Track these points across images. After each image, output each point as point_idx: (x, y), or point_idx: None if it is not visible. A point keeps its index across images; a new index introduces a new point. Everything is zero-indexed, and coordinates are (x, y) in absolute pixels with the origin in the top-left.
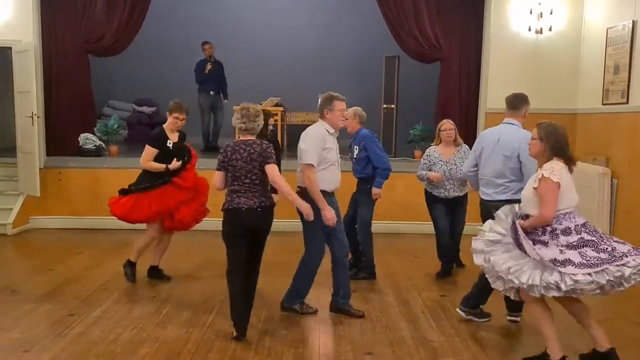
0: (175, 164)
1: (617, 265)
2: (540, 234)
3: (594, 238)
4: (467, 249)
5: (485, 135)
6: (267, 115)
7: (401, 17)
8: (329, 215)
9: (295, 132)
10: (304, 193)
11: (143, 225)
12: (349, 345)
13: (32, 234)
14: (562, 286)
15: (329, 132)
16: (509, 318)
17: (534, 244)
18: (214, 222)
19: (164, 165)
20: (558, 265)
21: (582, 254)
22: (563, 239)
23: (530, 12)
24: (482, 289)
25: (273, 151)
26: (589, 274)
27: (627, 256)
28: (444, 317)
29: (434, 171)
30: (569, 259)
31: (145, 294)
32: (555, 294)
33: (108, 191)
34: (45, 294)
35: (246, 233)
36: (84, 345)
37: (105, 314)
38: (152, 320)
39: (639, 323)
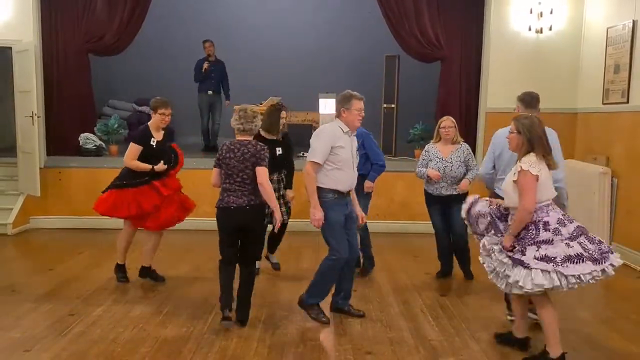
0: (161, 166)
1: (607, 262)
2: (540, 232)
3: (582, 225)
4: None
5: (500, 136)
6: (279, 109)
7: (402, 17)
8: (317, 215)
9: (295, 131)
10: (318, 191)
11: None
12: (349, 345)
13: (33, 233)
14: (570, 283)
15: (343, 131)
16: (508, 318)
17: (537, 249)
18: (214, 221)
19: (149, 166)
20: (573, 262)
21: (582, 245)
22: (564, 231)
23: (531, 12)
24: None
25: (267, 154)
26: (593, 274)
27: (611, 254)
28: (444, 316)
29: (430, 167)
30: (580, 254)
31: (146, 294)
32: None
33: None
34: (46, 294)
35: (236, 230)
36: (84, 344)
37: (105, 314)
38: (153, 320)
39: (639, 322)
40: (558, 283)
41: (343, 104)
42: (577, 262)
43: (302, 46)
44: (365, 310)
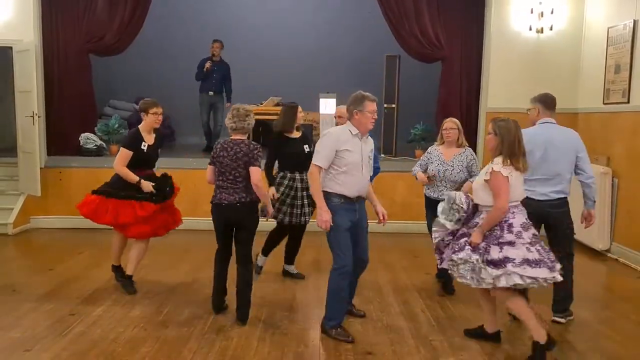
0: (147, 186)
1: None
2: (504, 233)
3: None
4: None
5: (531, 136)
6: (294, 107)
7: (402, 17)
8: (324, 217)
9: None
10: (324, 196)
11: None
12: (350, 345)
13: (33, 233)
14: (523, 282)
15: (352, 134)
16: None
17: (500, 249)
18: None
19: (136, 178)
20: (531, 265)
21: (539, 252)
22: (526, 235)
23: (531, 12)
24: (565, 289)
25: (260, 153)
26: (546, 279)
27: (557, 263)
28: (444, 316)
29: (430, 170)
30: (538, 259)
31: (146, 294)
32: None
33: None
34: (46, 294)
35: (227, 226)
36: (84, 344)
37: (105, 314)
38: (153, 320)
39: (639, 322)
40: (521, 282)
41: (355, 105)
42: (534, 267)
43: (302, 46)
44: (366, 310)
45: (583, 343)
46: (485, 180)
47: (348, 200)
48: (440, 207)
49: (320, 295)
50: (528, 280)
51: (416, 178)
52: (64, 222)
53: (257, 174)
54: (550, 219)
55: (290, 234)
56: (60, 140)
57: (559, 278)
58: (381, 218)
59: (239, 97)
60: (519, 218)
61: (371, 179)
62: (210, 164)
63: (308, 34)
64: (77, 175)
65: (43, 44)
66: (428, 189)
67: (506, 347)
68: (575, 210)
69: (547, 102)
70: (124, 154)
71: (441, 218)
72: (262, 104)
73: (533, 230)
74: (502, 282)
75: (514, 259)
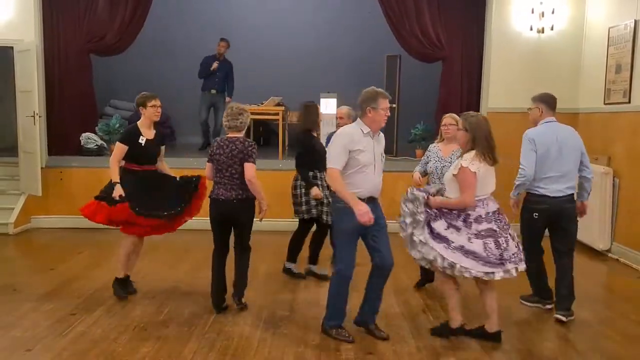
0: (117, 192)
1: (500, 269)
2: (455, 217)
3: (498, 229)
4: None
5: (542, 136)
6: (315, 105)
7: (403, 17)
8: (362, 210)
9: (296, 131)
10: (334, 197)
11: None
12: (350, 345)
13: (34, 233)
14: (456, 270)
15: (364, 133)
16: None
17: (447, 227)
18: None
19: (115, 179)
20: (464, 253)
21: (485, 246)
22: (474, 227)
23: (532, 12)
24: (566, 286)
25: (255, 150)
26: (479, 271)
27: (509, 262)
28: (445, 316)
29: (428, 167)
30: (474, 251)
31: (146, 294)
32: (449, 272)
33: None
34: (47, 293)
35: (224, 221)
36: (85, 344)
37: (106, 313)
38: (154, 319)
39: (639, 322)
40: (439, 263)
41: (369, 102)
42: (467, 257)
43: (302, 46)
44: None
45: (583, 343)
46: (454, 175)
47: (365, 202)
48: (407, 209)
49: (321, 295)
50: (457, 267)
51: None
52: (65, 221)
53: (251, 170)
54: (565, 214)
55: (316, 230)
56: (61, 140)
57: (497, 277)
58: None
59: (240, 97)
60: (479, 211)
61: None
62: (208, 161)
63: (308, 34)
64: (78, 175)
65: (44, 43)
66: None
67: (507, 347)
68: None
69: (549, 102)
70: (118, 149)
71: (409, 216)
72: (262, 103)
73: (490, 225)
74: (439, 262)
75: (452, 243)
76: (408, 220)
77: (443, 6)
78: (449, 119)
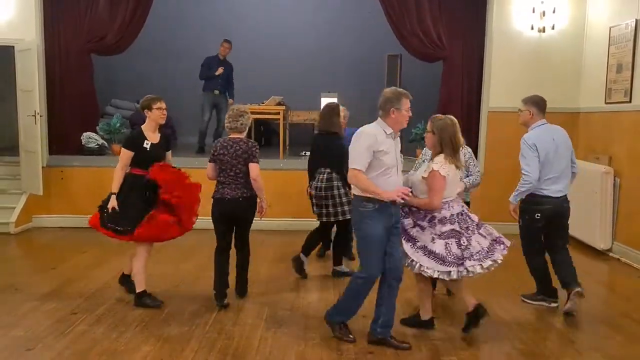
0: (111, 203)
1: (456, 268)
2: (422, 217)
3: (462, 230)
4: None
5: (542, 138)
6: (337, 107)
7: (404, 15)
8: (393, 194)
9: (297, 131)
10: (356, 200)
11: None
12: (351, 344)
13: (35, 232)
14: (415, 269)
15: (386, 133)
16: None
17: (414, 225)
18: None
19: (115, 188)
20: (425, 254)
21: (447, 246)
22: (438, 228)
23: (533, 11)
24: (574, 276)
25: (258, 150)
26: (437, 271)
27: (469, 260)
28: (446, 315)
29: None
30: (435, 251)
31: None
32: (410, 269)
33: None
34: (48, 293)
35: (230, 219)
36: (86, 343)
37: (108, 312)
38: (155, 318)
39: None
40: (409, 264)
41: (394, 103)
42: (427, 256)
43: (304, 45)
44: (367, 310)
45: (584, 342)
46: (423, 177)
47: (383, 204)
48: None
49: (321, 295)
50: (417, 266)
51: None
52: (66, 221)
53: (256, 169)
54: (564, 212)
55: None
56: (62, 140)
57: (453, 276)
58: None
59: (241, 96)
60: (444, 212)
61: None
62: (210, 161)
63: (309, 33)
64: (79, 174)
65: (45, 43)
66: None
67: (507, 346)
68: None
69: (540, 105)
70: (124, 156)
71: None
72: (263, 103)
73: (453, 227)
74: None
75: (417, 242)
76: None
77: (444, 5)
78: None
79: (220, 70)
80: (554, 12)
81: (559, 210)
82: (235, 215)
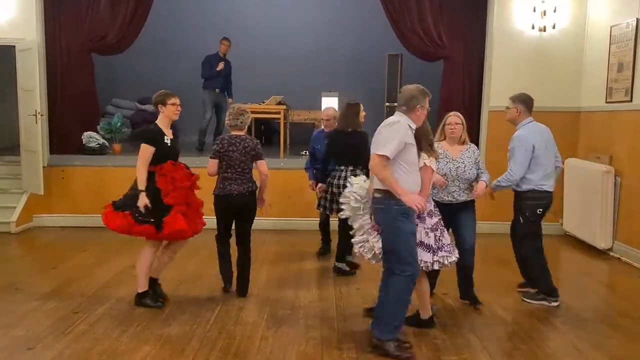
0: (142, 201)
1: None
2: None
3: (439, 221)
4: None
5: (536, 135)
6: (357, 106)
7: (404, 14)
8: (413, 199)
9: (297, 130)
10: (385, 199)
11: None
12: (352, 343)
13: (36, 232)
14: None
15: (412, 128)
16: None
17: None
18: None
19: (142, 187)
20: (424, 249)
21: (436, 237)
22: (428, 222)
23: (534, 10)
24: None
25: (261, 147)
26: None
27: (441, 251)
28: (446, 314)
29: (441, 169)
30: (429, 245)
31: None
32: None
33: (112, 189)
34: (49, 292)
35: (235, 213)
36: (87, 343)
37: (109, 312)
38: (156, 318)
39: None
40: None
41: (419, 101)
42: (425, 251)
43: (304, 45)
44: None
45: (585, 341)
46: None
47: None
48: (350, 208)
49: (322, 294)
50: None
51: None
52: (67, 220)
53: (265, 165)
54: (550, 206)
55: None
56: (63, 139)
57: (436, 267)
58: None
59: (241, 95)
60: (429, 206)
61: None
62: (214, 157)
63: (309, 32)
64: (80, 173)
65: (45, 42)
66: (439, 192)
67: (508, 345)
68: (578, 209)
69: (527, 103)
70: (146, 152)
71: (358, 218)
72: (264, 102)
73: (436, 219)
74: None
75: (431, 246)
76: (354, 205)
77: (444, 4)
78: (455, 117)
79: (221, 66)
80: (554, 11)
81: (550, 204)
82: (241, 209)
